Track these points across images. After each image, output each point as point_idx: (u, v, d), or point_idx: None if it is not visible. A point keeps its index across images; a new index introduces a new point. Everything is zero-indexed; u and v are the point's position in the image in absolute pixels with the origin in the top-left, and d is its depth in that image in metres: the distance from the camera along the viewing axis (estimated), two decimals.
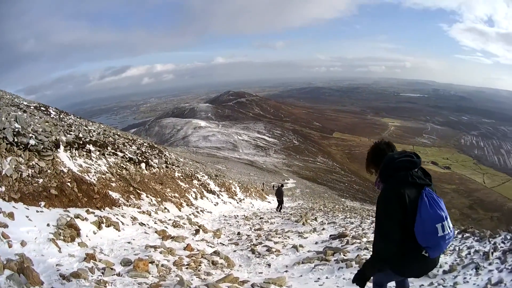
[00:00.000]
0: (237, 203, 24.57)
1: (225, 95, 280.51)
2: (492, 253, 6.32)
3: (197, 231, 11.11)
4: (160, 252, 7.60)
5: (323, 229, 13.59)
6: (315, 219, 16.78)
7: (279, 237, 11.52)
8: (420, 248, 3.40)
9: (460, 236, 8.67)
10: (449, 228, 3.33)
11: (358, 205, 50.91)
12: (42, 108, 22.00)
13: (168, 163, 22.54)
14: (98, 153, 14.02)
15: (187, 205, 16.39)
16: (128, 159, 16.49)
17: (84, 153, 12.84)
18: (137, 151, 20.73)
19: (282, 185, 28.43)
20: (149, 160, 19.22)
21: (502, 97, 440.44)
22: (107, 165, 13.24)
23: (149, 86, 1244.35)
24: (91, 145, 14.59)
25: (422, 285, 5.89)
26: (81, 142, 13.99)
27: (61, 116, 22.71)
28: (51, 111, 22.31)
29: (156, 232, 9.50)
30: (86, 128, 21.64)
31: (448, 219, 3.37)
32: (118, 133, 26.88)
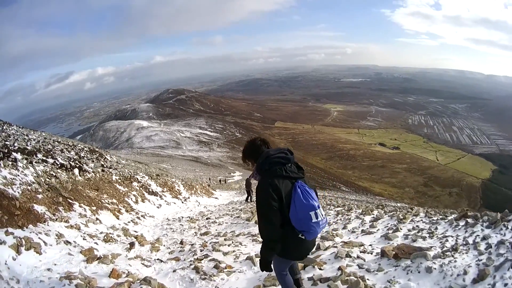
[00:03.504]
0: (182, 202, 23.30)
1: (165, 94, 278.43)
2: None
3: (131, 245, 9.68)
4: (76, 286, 6.10)
5: None
6: None
7: (229, 244, 9.87)
8: (297, 232, 3.97)
9: (462, 224, 7.02)
10: (322, 215, 3.98)
11: None
12: None
13: (105, 166, 21.21)
14: (25, 161, 12.65)
15: (127, 211, 14.96)
16: (59, 165, 15.14)
17: (10, 163, 11.53)
18: (75, 157, 19.48)
19: None
20: (83, 164, 17.96)
21: (450, 77, 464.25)
22: (34, 175, 11.87)
23: (91, 90, 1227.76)
24: (18, 153, 13.29)
25: None
26: (6, 151, 12.78)
27: (4, 127, 22.17)
28: None
29: (81, 252, 8.08)
30: (26, 137, 20.66)
31: (320, 208, 4.00)
32: (59, 140, 25.45)
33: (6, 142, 15.35)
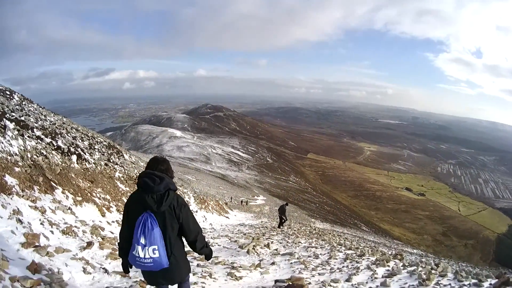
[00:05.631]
0: None
1: (203, 108, 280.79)
2: None
3: (88, 245, 8.09)
4: None
5: (273, 263, 10.36)
6: (268, 245, 13.36)
7: (196, 273, 7.90)
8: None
9: None
10: (143, 255, 3.73)
11: (329, 227, 49.31)
12: (7, 93, 20.42)
13: (111, 160, 20.06)
14: (16, 132, 11.70)
15: (118, 210, 13.36)
16: (55, 147, 14.04)
17: None
18: (85, 146, 18.46)
19: (287, 204, 28.08)
20: (86, 154, 16.79)
21: (483, 127, 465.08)
22: (21, 147, 10.81)
23: (130, 91, 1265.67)
24: (13, 123, 12.25)
25: None
26: None
27: (23, 102, 21.04)
28: (15, 97, 20.77)
29: (24, 234, 6.78)
30: (43, 117, 19.48)
31: (147, 248, 3.73)
32: (78, 128, 24.54)
33: (13, 113, 14.30)
